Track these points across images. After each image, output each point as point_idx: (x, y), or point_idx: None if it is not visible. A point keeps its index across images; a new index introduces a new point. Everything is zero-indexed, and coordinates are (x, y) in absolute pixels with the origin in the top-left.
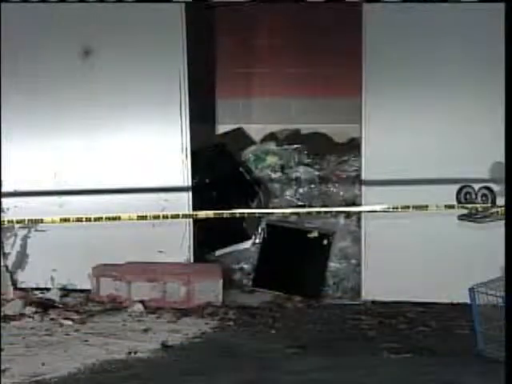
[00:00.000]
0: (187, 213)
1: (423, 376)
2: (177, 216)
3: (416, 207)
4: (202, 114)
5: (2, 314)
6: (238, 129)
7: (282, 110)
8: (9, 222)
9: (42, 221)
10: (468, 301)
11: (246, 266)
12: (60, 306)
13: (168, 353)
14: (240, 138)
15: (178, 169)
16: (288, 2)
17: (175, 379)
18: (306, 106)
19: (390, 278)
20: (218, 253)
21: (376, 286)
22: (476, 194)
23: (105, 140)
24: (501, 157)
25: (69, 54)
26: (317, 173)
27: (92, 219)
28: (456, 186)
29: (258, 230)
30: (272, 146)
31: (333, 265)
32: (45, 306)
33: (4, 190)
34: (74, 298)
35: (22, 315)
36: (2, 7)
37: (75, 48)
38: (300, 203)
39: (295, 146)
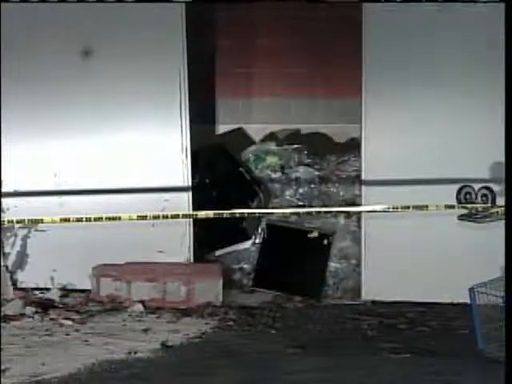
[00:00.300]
0: (187, 213)
1: (423, 376)
2: (177, 216)
3: (416, 207)
4: (202, 114)
5: (2, 313)
6: (238, 129)
7: (282, 110)
8: (9, 222)
9: (42, 221)
10: (468, 301)
11: (246, 266)
12: (60, 306)
13: (168, 353)
14: (240, 138)
15: (178, 169)
16: (288, 2)
17: (175, 379)
18: (305, 106)
19: (390, 278)
20: (218, 253)
21: (376, 286)
22: (476, 194)
23: (105, 140)
24: (501, 157)
25: (69, 54)
26: (317, 173)
27: (92, 219)
28: (456, 186)
29: (258, 230)
30: (272, 146)
31: (333, 265)
32: (45, 306)
33: (4, 190)
34: (73, 298)
35: (22, 315)
36: (1, 7)
37: (75, 48)
38: (300, 203)
39: (295, 145)
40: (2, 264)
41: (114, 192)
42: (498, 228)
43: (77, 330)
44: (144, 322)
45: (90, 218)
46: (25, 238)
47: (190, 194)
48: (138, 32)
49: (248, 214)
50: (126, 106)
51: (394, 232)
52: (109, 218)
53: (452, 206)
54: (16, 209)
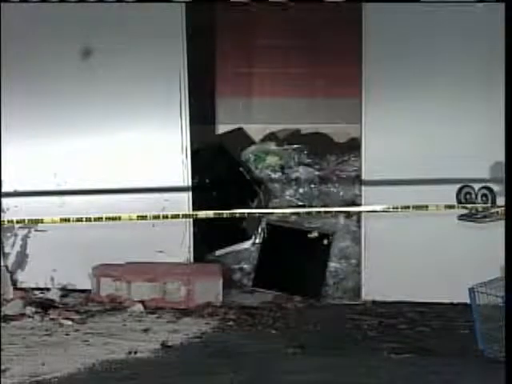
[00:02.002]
0: (187, 213)
1: (423, 376)
2: (177, 216)
3: (416, 207)
4: (202, 114)
5: (2, 314)
6: (238, 129)
7: (282, 110)
8: (9, 222)
9: (42, 221)
10: (468, 301)
11: (245, 266)
12: (60, 305)
13: (168, 353)
14: (240, 138)
15: (178, 169)
16: (288, 2)
17: (175, 379)
18: (306, 106)
19: (390, 278)
20: (218, 253)
21: (376, 286)
22: (476, 194)
23: (105, 140)
24: (501, 157)
25: (69, 53)
26: (317, 173)
27: (92, 219)
28: (456, 186)
29: (258, 230)
30: (272, 146)
31: (333, 265)
32: (45, 306)
33: (4, 189)
34: (73, 298)
35: (22, 315)
36: (1, 7)
37: (75, 48)
38: (300, 203)
39: (295, 145)
40: (2, 264)
41: (114, 192)
42: (498, 228)
43: (77, 330)
44: (144, 321)
45: (90, 218)
46: (25, 238)
47: (190, 194)
48: (138, 32)
49: (248, 213)
50: (125, 105)
51: (394, 232)
52: (109, 218)
53: (452, 206)
54: (16, 209)
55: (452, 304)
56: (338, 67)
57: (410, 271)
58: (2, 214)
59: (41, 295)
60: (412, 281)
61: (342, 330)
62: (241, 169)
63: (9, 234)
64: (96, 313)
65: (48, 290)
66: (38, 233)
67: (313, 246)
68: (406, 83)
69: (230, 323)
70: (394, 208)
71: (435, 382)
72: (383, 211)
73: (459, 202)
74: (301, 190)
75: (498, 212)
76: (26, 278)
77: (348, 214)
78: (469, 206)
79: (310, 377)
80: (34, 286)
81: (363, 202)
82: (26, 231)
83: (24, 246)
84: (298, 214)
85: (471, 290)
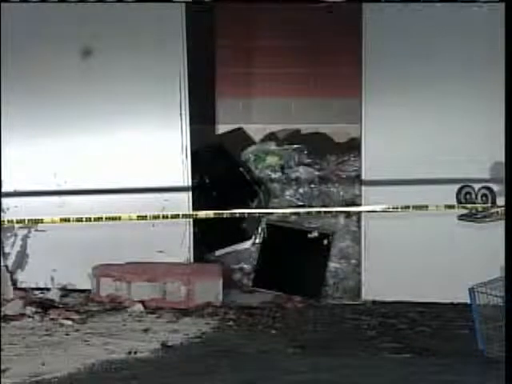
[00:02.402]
0: (187, 213)
1: (423, 376)
2: (177, 216)
3: (416, 207)
4: (202, 114)
5: (2, 314)
6: (238, 129)
7: (282, 110)
8: (9, 221)
9: (42, 221)
10: (468, 301)
11: (246, 266)
12: (60, 306)
13: (168, 353)
14: (240, 138)
15: (178, 169)
16: (288, 2)
17: (175, 379)
18: (306, 106)
19: (390, 277)
20: (218, 253)
21: (376, 286)
22: (476, 194)
23: (105, 140)
24: (501, 157)
25: (68, 54)
26: (317, 173)
27: (92, 219)
28: (456, 186)
29: (257, 230)
30: (272, 146)
31: (333, 265)
32: (45, 305)
33: (4, 189)
34: (73, 298)
35: (22, 315)
36: (1, 7)
37: (75, 48)
38: (300, 203)
39: (295, 145)
40: (2, 264)
41: (114, 192)
42: (498, 228)
43: (77, 330)
44: (144, 321)
45: (90, 218)
46: (25, 238)
47: (190, 194)
48: (138, 32)
49: (248, 213)
50: (125, 105)
51: (393, 232)
52: (109, 218)
53: (452, 206)
54: (16, 209)
55: (452, 304)
56: (338, 67)
57: (410, 271)
58: (2, 214)
59: (41, 295)
60: (412, 281)
61: (342, 330)
62: (241, 169)
63: (9, 234)
64: (96, 313)
65: (48, 289)
66: (37, 233)
67: (313, 245)
68: (406, 83)
69: (230, 323)
70: (393, 208)
71: (435, 382)
72: (383, 211)
73: (459, 202)
74: (301, 190)
75: (498, 212)
76: (25, 278)
77: (348, 214)
78: (469, 205)
79: (310, 377)
80: (34, 286)
81: (363, 202)
82: (26, 231)
83: (24, 246)
84: (298, 213)
85: (471, 290)
